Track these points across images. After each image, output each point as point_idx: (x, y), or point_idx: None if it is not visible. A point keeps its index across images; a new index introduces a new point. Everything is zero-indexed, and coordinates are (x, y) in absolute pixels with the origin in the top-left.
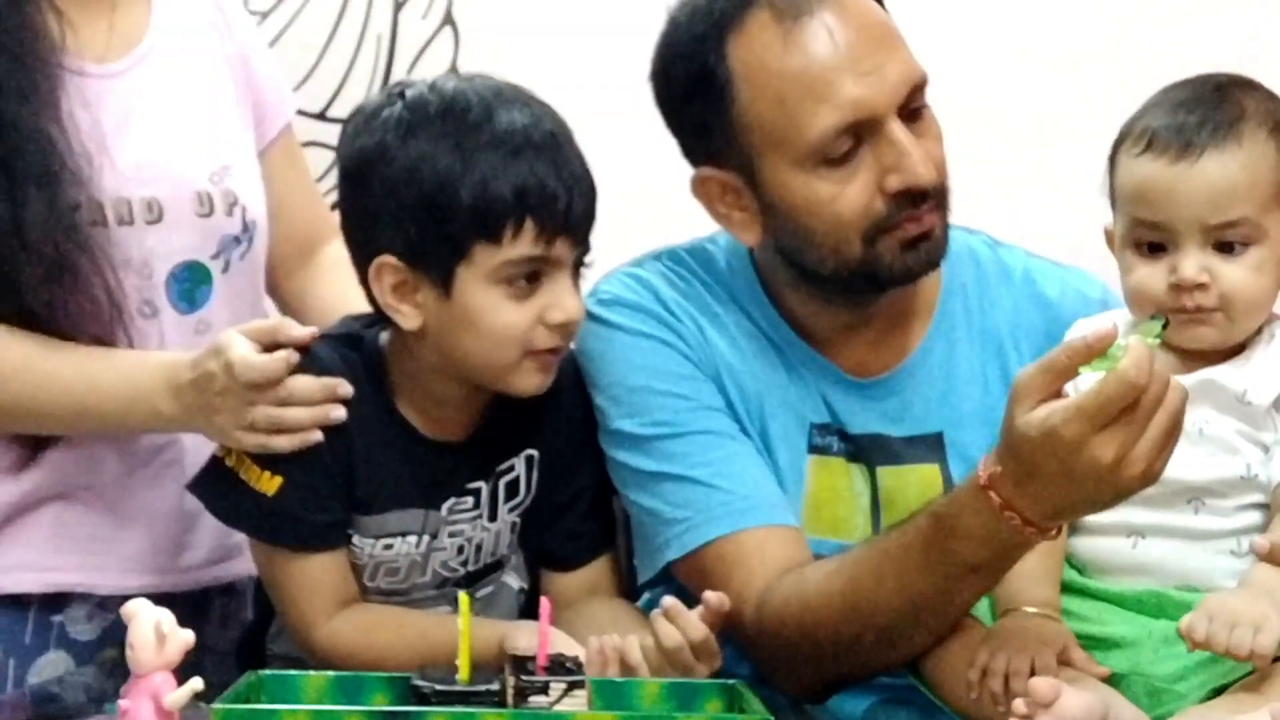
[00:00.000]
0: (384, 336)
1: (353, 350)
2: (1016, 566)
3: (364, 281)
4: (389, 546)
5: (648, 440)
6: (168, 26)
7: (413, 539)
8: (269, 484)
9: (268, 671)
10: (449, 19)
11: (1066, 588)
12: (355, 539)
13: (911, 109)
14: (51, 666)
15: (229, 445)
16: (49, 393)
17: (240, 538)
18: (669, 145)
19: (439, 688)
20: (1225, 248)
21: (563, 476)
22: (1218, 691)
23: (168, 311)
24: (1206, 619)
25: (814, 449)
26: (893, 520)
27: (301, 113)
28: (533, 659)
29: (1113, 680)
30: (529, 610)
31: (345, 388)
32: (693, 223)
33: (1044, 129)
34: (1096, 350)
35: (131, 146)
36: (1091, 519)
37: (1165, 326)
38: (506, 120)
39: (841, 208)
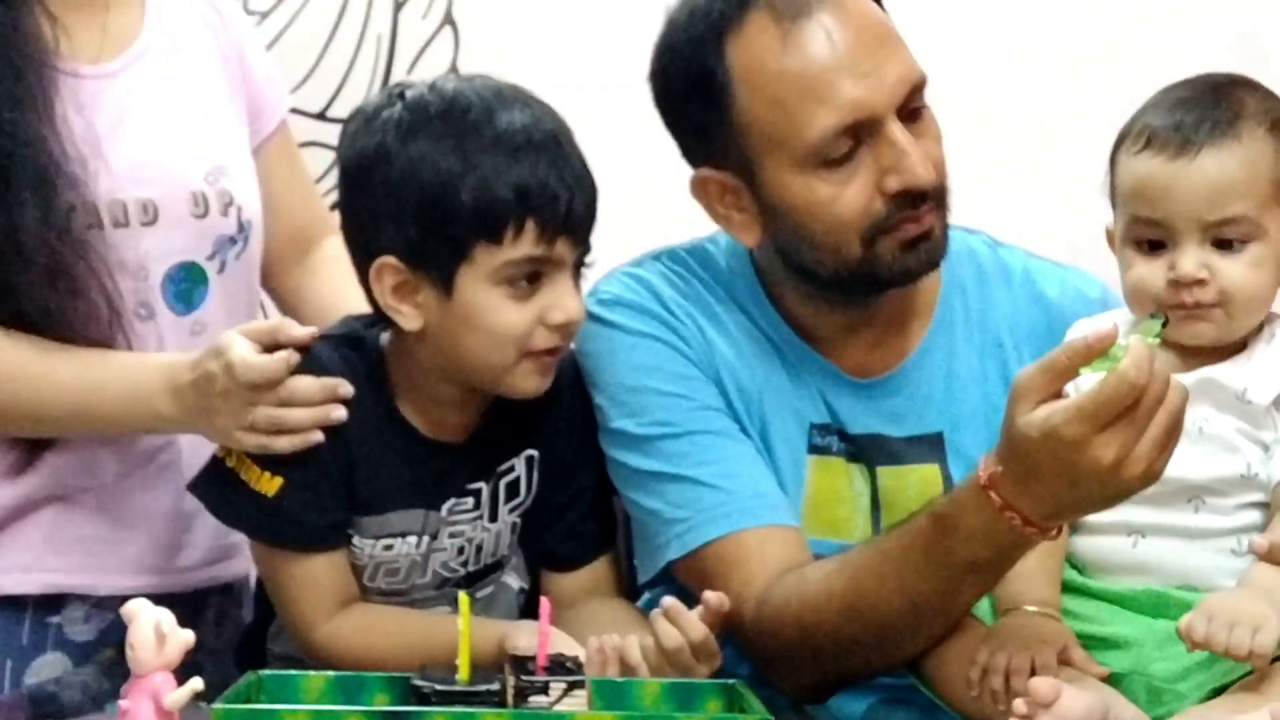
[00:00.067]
0: (384, 337)
1: (353, 350)
2: (1017, 566)
3: (364, 282)
4: (389, 547)
5: (648, 440)
6: (161, 26)
7: (413, 539)
8: (269, 484)
9: (268, 671)
10: (449, 19)
11: (1067, 587)
12: (355, 539)
13: (910, 109)
14: (49, 667)
15: (230, 446)
16: (48, 395)
17: (237, 538)
18: (669, 145)
19: (439, 688)
20: (1224, 245)
21: (563, 477)
22: (1218, 691)
23: (164, 313)
24: (1206, 619)
25: (814, 449)
26: (893, 520)
27: (301, 113)
28: (533, 659)
29: (1113, 680)
30: (529, 610)
31: (346, 388)
32: (693, 223)
33: (1043, 129)
34: (1097, 350)
35: (126, 147)
36: (1092, 518)
37: (1165, 325)
38: (507, 121)
39: (841, 208)
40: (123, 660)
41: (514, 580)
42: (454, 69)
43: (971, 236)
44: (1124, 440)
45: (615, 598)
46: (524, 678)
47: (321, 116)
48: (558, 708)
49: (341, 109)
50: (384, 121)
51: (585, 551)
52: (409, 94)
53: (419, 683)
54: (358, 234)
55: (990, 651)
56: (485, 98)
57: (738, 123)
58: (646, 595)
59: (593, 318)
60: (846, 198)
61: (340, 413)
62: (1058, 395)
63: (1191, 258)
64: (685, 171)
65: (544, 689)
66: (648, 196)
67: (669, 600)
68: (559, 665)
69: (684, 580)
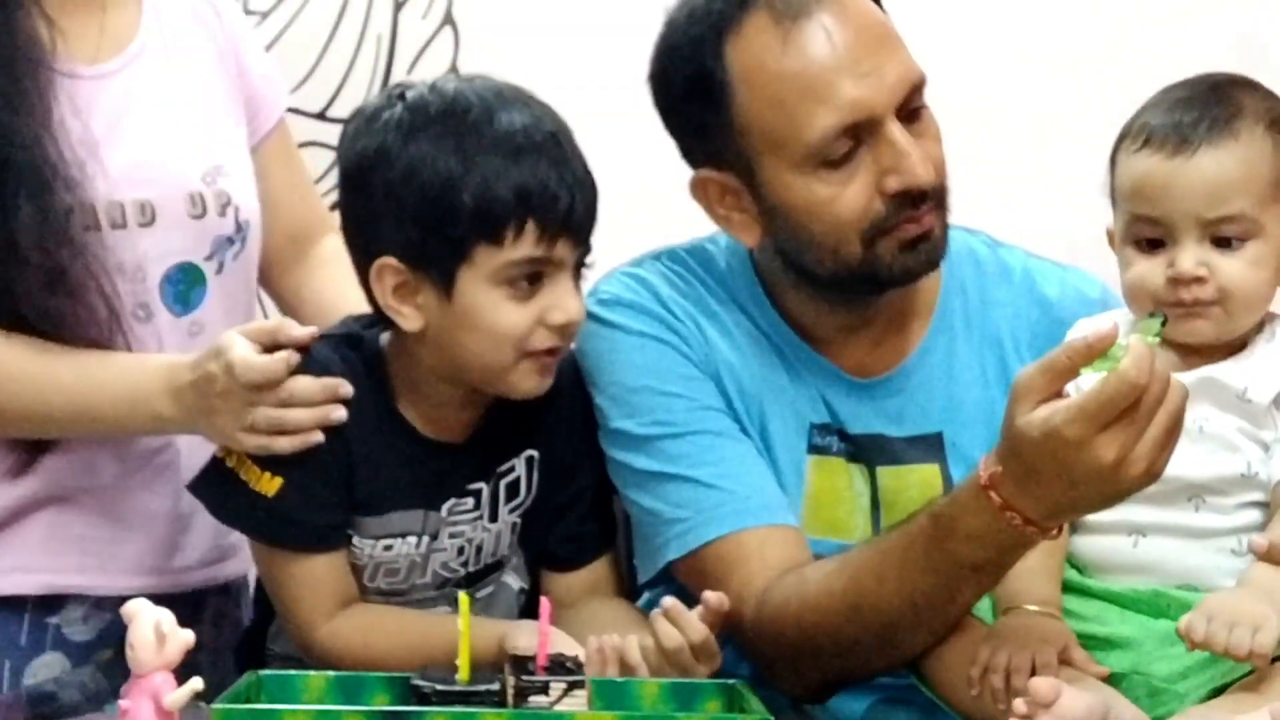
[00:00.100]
0: (384, 337)
1: (353, 351)
2: (1018, 565)
3: (365, 283)
4: (389, 547)
5: (648, 440)
6: (158, 25)
7: (413, 540)
8: (269, 485)
9: (268, 671)
10: (449, 19)
11: (1067, 587)
12: (355, 540)
13: (910, 110)
14: (47, 668)
15: (230, 447)
16: (49, 396)
17: (235, 539)
18: (669, 145)
19: (439, 688)
20: (1223, 243)
21: (563, 477)
22: (1218, 691)
23: (162, 314)
24: (1205, 619)
25: (814, 449)
26: (893, 520)
27: (301, 113)
28: (533, 659)
29: (1113, 680)
30: (529, 610)
31: (346, 388)
32: (693, 223)
33: (1042, 129)
34: (1097, 350)
35: (124, 148)
36: (1092, 518)
37: (1164, 324)
38: (507, 121)
39: (841, 209)
40: (121, 660)
41: (514, 580)
42: (454, 69)
43: (971, 236)
44: (1125, 440)
45: (615, 598)
46: (524, 678)
47: (321, 116)
48: (558, 708)
49: (341, 109)
50: (384, 122)
51: (585, 552)
52: (409, 95)
53: (419, 683)
54: (358, 235)
55: (991, 650)
56: (486, 98)
57: (737, 123)
58: (646, 595)
59: (593, 318)
60: (846, 198)
61: (340, 413)
62: (1058, 395)
63: (1190, 255)
64: (685, 171)
65: (544, 689)
66: (648, 196)
67: (669, 601)
68: (559, 665)
69: (684, 580)
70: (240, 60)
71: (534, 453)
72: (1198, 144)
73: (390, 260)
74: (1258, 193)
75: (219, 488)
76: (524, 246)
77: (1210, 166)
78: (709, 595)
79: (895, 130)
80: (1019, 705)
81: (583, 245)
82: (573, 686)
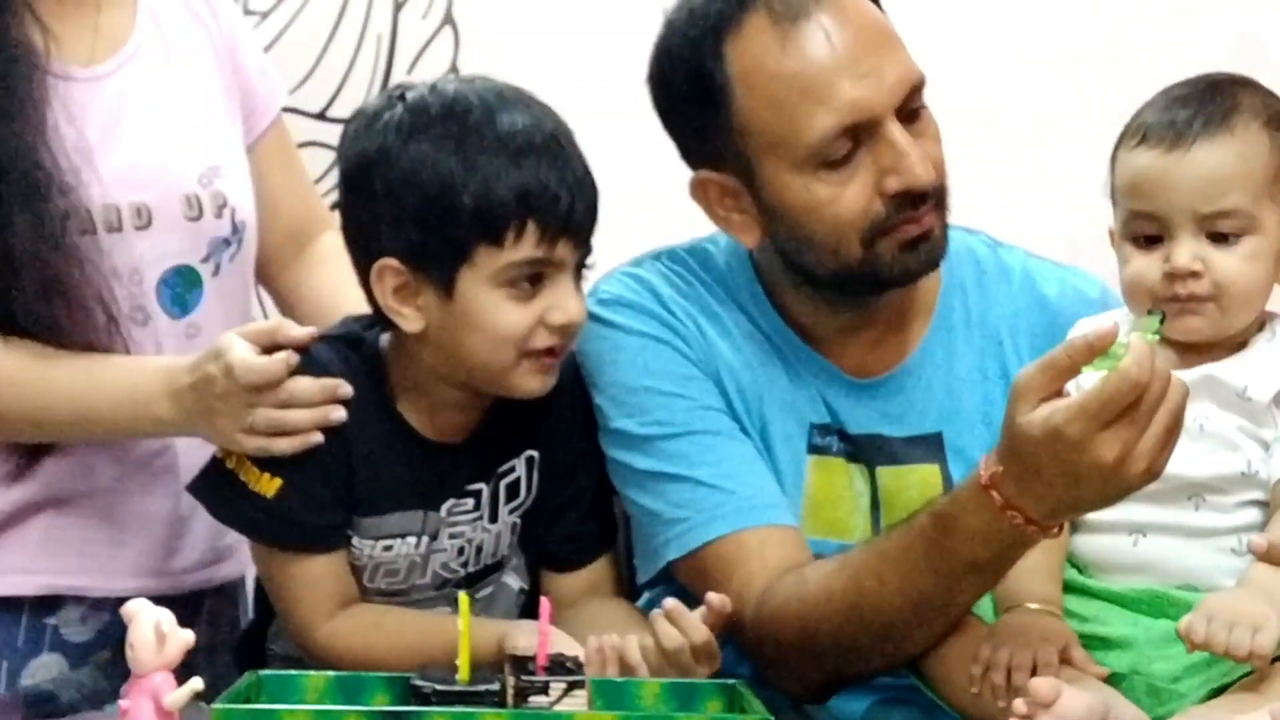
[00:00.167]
0: (384, 338)
1: (352, 351)
2: (1018, 563)
3: (365, 284)
4: (389, 548)
5: (648, 440)
6: (154, 25)
7: (412, 540)
8: (269, 485)
9: (268, 671)
10: (449, 19)
11: (1067, 587)
12: (355, 540)
13: (909, 110)
14: (45, 669)
15: (230, 448)
16: (48, 400)
17: (232, 540)
18: (669, 145)
19: (439, 688)
20: (1219, 238)
21: (563, 477)
22: (1218, 691)
23: (160, 317)
24: (1205, 619)
25: (814, 449)
26: (893, 520)
27: (301, 113)
28: (533, 659)
29: (1113, 680)
30: (529, 610)
31: (345, 389)
32: (693, 223)
33: (1042, 129)
34: (1098, 349)
35: (119, 152)
36: (1092, 516)
37: (1163, 321)
38: (508, 122)
39: (840, 210)
40: (119, 661)
41: (514, 580)
42: (454, 69)
43: (971, 236)
44: (1126, 438)
45: (615, 598)
46: (524, 678)
47: (321, 116)
48: (558, 708)
49: (341, 109)
50: (385, 123)
51: (585, 552)
52: (410, 96)
53: (419, 683)
54: (358, 236)
55: (992, 648)
56: (486, 99)
57: (736, 124)
58: (646, 595)
59: (593, 318)
60: (846, 198)
61: (340, 413)
62: (1058, 394)
63: (1186, 249)
64: (685, 172)
65: (544, 689)
66: (648, 196)
67: (671, 602)
68: (559, 665)
69: (684, 580)
70: (236, 57)
71: (534, 453)
72: (1193, 139)
73: (391, 261)
74: (1254, 188)
75: (218, 489)
76: (525, 247)
77: (1206, 161)
78: (712, 596)
79: (895, 130)
80: (1019, 705)
81: (583, 246)
82: (573, 686)
